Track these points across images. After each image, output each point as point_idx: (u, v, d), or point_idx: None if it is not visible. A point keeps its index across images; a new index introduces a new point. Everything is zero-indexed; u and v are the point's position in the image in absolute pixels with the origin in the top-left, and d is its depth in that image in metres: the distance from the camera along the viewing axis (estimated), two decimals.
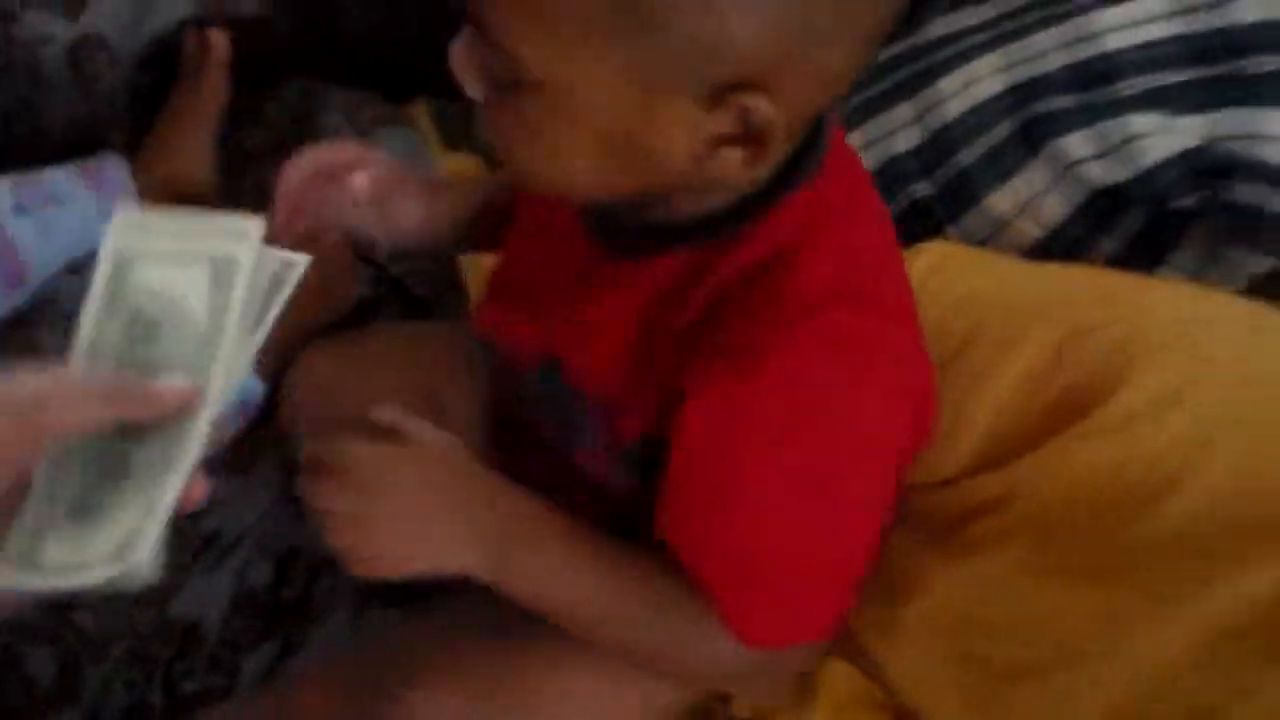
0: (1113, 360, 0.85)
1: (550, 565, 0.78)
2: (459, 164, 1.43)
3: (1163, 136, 1.05)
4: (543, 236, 0.86)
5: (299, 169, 0.88)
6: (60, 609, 1.03)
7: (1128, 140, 1.06)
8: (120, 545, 0.64)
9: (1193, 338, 0.87)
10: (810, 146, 0.72)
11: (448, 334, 1.20)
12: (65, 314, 1.19)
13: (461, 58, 0.68)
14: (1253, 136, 1.03)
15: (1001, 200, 1.11)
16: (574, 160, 0.70)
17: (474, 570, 0.76)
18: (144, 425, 0.67)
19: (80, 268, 1.23)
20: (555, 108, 0.66)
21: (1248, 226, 1.07)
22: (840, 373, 0.72)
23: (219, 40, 1.36)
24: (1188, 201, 1.08)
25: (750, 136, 0.65)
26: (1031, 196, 1.13)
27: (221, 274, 0.69)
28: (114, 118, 1.36)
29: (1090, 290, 0.94)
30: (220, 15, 1.37)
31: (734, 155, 0.66)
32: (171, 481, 0.63)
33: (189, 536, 1.07)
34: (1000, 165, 1.13)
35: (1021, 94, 1.10)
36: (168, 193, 1.31)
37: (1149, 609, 0.80)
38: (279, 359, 1.15)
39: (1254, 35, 1.05)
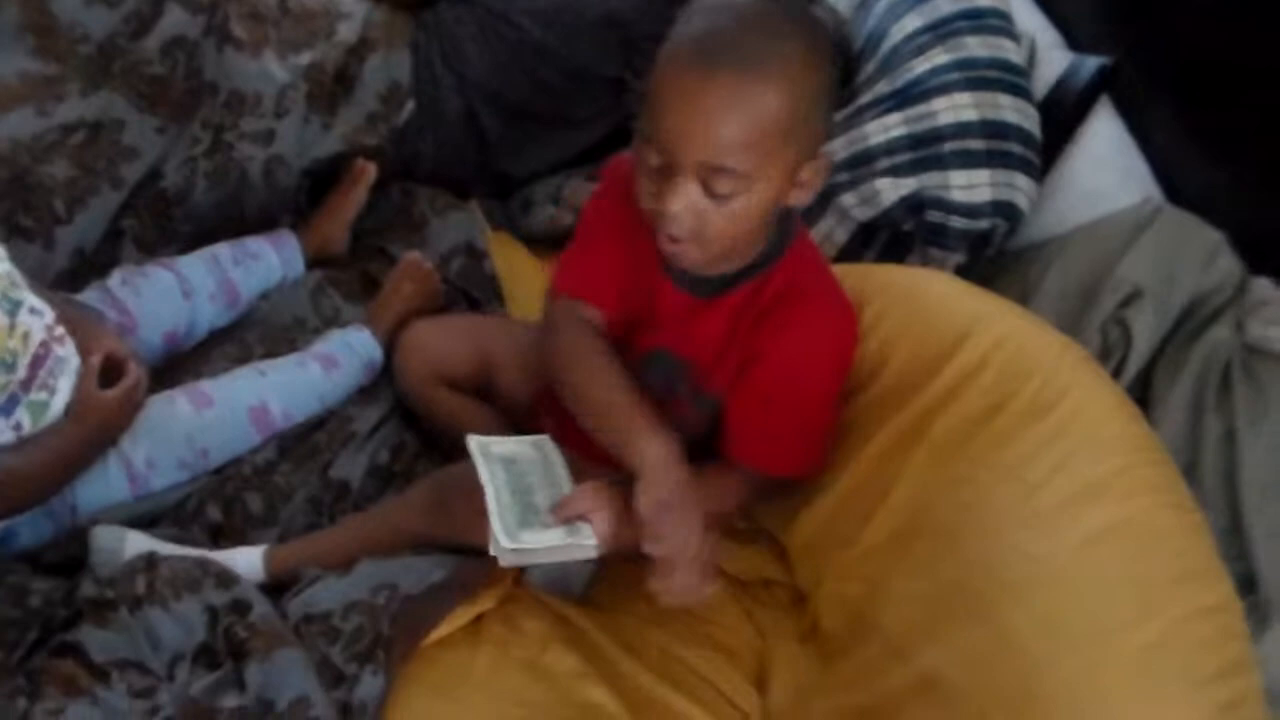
0: (858, 300, 1.42)
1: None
2: (497, 239, 1.98)
3: (893, 190, 1.68)
4: (649, 300, 1.32)
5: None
6: (263, 471, 1.58)
7: (875, 195, 1.70)
8: (566, 538, 1.19)
9: (893, 288, 1.46)
10: (789, 219, 1.27)
11: (495, 320, 1.79)
12: (260, 327, 1.76)
13: (683, 201, 1.12)
14: (941, 186, 1.66)
15: (814, 236, 1.73)
16: (750, 227, 1.16)
17: None
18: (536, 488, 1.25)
19: (268, 295, 1.80)
20: (755, 192, 1.12)
21: (940, 237, 1.69)
22: (843, 324, 1.33)
23: (369, 169, 1.91)
24: (909, 226, 1.71)
25: (811, 179, 1.16)
26: (827, 232, 1.75)
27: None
28: (285, 207, 1.90)
29: (855, 274, 1.57)
30: (356, 148, 1.92)
31: (804, 189, 1.17)
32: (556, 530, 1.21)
33: (341, 432, 1.65)
34: (808, 216, 1.73)
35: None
36: (319, 255, 1.88)
37: (887, 434, 1.34)
38: (390, 332, 1.72)
39: (945, 130, 1.67)
